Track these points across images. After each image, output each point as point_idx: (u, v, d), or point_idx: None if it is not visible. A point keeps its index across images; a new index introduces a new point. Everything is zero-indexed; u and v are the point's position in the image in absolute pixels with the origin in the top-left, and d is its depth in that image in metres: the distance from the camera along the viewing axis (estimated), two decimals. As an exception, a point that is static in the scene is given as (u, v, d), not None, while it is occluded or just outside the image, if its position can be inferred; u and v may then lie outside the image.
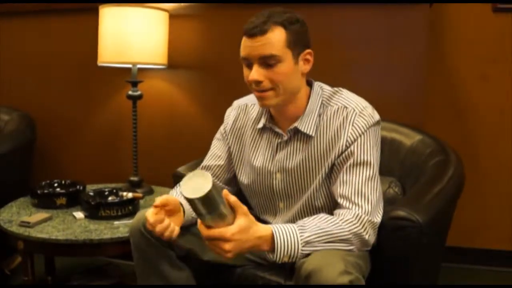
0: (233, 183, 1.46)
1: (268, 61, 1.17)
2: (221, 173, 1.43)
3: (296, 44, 1.19)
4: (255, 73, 1.18)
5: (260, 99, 1.22)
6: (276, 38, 1.16)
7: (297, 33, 1.19)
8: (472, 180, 1.90)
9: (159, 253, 1.29)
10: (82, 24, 2.27)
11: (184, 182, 0.99)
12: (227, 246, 1.02)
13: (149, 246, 1.28)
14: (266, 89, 1.19)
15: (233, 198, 1.04)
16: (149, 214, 1.15)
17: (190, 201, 0.97)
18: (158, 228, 1.14)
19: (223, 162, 1.43)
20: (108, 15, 1.91)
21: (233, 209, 1.05)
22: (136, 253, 1.31)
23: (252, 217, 1.07)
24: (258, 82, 1.19)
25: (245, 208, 1.06)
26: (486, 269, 2.31)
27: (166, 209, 1.18)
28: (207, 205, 0.98)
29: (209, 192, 0.95)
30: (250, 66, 1.20)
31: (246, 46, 1.19)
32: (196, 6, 2.14)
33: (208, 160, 1.44)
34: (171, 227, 1.16)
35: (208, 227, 1.03)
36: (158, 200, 1.17)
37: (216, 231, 1.02)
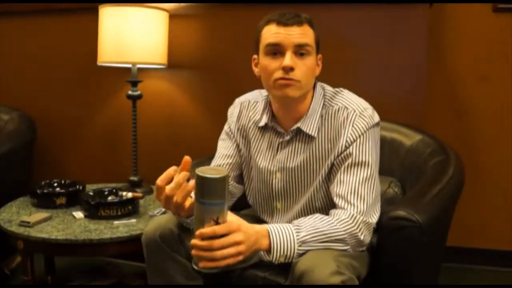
0: (242, 180, 1.45)
1: (300, 51, 1.19)
2: (231, 171, 1.41)
3: (317, 45, 1.25)
4: (290, 60, 1.18)
5: (284, 87, 1.20)
6: (309, 32, 1.21)
7: (318, 35, 1.25)
8: (472, 180, 1.90)
9: (175, 265, 1.27)
10: (82, 24, 2.27)
11: (199, 170, 0.98)
12: (240, 236, 1.00)
13: (165, 258, 1.26)
14: (295, 78, 1.19)
15: None
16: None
17: (208, 181, 0.95)
18: (169, 190, 1.10)
19: (232, 160, 1.41)
20: (108, 15, 1.91)
21: None
22: (150, 262, 1.29)
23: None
24: (290, 69, 1.18)
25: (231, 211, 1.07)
26: (486, 269, 2.31)
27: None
28: (223, 189, 0.97)
29: (227, 175, 0.98)
30: (275, 54, 1.21)
31: (279, 33, 1.19)
32: (196, 6, 2.14)
33: (216, 161, 1.43)
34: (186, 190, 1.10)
35: (212, 225, 0.99)
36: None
37: (228, 223, 1.00)
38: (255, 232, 1.06)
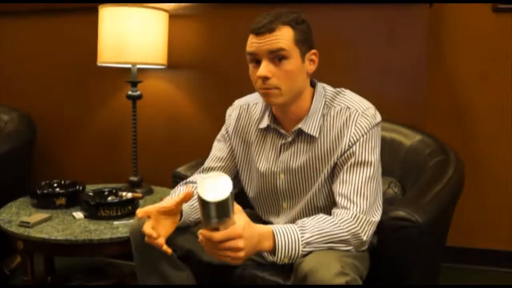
0: (234, 184, 1.45)
1: (276, 56, 1.17)
2: None
3: (303, 43, 1.21)
4: (264, 69, 1.18)
5: (265, 96, 1.22)
6: (284, 35, 1.17)
7: (304, 32, 1.21)
8: (472, 180, 1.90)
9: (159, 253, 1.28)
10: (82, 24, 2.27)
11: (201, 183, 0.95)
12: (241, 243, 0.99)
13: (150, 247, 1.27)
14: (272, 87, 1.19)
15: None
16: (146, 227, 1.14)
17: (205, 203, 0.93)
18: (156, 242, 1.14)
19: (224, 164, 1.42)
20: (107, 15, 1.91)
21: None
22: (137, 253, 1.31)
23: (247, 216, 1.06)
24: (265, 78, 1.18)
25: (239, 206, 1.05)
26: (486, 269, 2.31)
27: (162, 211, 1.17)
28: (223, 209, 0.95)
29: (228, 196, 0.93)
30: (257, 63, 1.21)
31: (253, 43, 1.19)
32: (196, 6, 2.14)
33: (209, 162, 1.43)
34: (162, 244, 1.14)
35: (213, 230, 0.99)
36: (139, 213, 1.16)
37: (228, 231, 0.98)
38: (258, 234, 1.06)
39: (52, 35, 2.38)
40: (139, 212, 1.16)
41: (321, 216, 1.16)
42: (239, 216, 1.02)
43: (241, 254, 1.01)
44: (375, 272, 1.24)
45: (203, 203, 0.94)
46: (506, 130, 2.27)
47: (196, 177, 1.41)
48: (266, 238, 1.08)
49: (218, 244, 0.99)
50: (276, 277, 1.28)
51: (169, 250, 1.14)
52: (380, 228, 1.21)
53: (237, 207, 1.04)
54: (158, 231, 1.14)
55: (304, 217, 1.28)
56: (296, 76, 1.21)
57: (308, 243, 1.09)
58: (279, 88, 1.19)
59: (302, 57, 1.21)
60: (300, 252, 1.09)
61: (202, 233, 1.00)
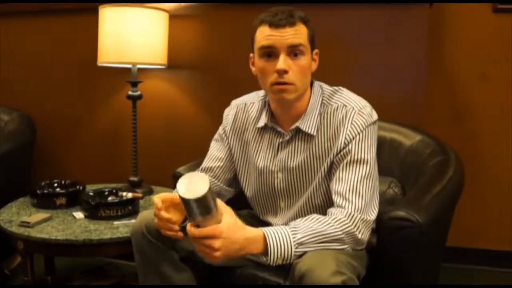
0: (233, 184, 1.46)
1: (294, 51, 1.19)
2: (222, 174, 1.43)
3: (313, 41, 1.24)
4: (283, 63, 1.18)
5: (280, 92, 1.21)
6: (302, 31, 1.20)
7: (312, 31, 1.24)
8: (472, 180, 1.90)
9: (161, 254, 1.29)
10: (82, 24, 2.27)
11: (180, 182, 0.99)
12: (217, 243, 1.01)
13: (151, 248, 1.28)
14: (289, 81, 1.19)
15: (220, 201, 1.07)
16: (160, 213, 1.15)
17: (185, 201, 0.98)
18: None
19: (223, 163, 1.42)
20: (108, 15, 1.91)
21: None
22: (138, 254, 1.31)
23: (239, 220, 1.07)
24: (284, 72, 1.18)
25: (231, 209, 1.07)
26: (486, 269, 2.31)
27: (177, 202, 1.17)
28: (202, 206, 0.99)
29: (206, 194, 0.97)
30: (269, 57, 1.20)
31: (272, 35, 1.18)
32: (196, 6, 2.14)
33: (207, 162, 1.44)
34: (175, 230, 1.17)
35: (197, 226, 1.03)
36: (158, 200, 1.16)
37: (206, 229, 1.02)
38: (244, 239, 1.06)
39: (52, 35, 2.38)
40: (156, 199, 1.16)
41: (314, 217, 1.15)
42: (226, 217, 1.04)
43: (217, 254, 1.03)
44: (375, 272, 1.24)
45: (183, 201, 0.99)
46: (506, 130, 2.27)
47: None
48: (254, 242, 1.08)
49: (196, 239, 1.03)
50: (276, 277, 1.29)
51: (180, 234, 1.16)
52: (380, 228, 1.21)
53: (227, 209, 1.06)
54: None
55: (302, 216, 1.28)
56: (308, 73, 1.24)
57: (300, 244, 1.10)
58: (294, 84, 1.20)
59: (311, 55, 1.24)
60: (293, 253, 1.09)
61: (186, 227, 1.04)
